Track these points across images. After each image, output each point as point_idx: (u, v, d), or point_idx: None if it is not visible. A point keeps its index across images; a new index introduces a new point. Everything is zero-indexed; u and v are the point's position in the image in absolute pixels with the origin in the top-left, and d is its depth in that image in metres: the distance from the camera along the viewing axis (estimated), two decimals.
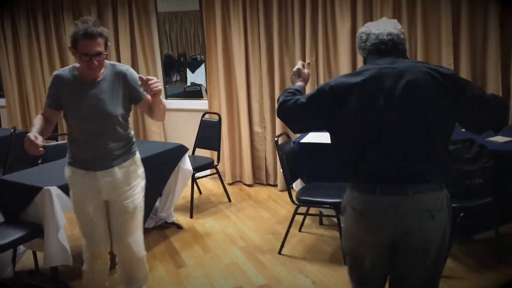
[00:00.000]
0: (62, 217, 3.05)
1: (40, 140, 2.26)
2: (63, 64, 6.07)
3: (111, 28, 5.59)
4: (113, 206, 2.67)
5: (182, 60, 7.91)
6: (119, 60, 5.67)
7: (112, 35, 5.61)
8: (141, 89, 2.49)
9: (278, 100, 2.12)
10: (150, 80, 2.34)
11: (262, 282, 3.19)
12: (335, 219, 3.65)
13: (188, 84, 7.62)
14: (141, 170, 2.74)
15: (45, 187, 3.01)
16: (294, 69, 2.28)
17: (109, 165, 2.57)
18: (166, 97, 5.84)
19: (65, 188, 3.06)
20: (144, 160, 3.66)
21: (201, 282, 3.24)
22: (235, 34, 4.98)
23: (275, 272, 3.31)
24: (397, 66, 1.88)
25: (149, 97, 2.51)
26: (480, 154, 3.26)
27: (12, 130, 4.60)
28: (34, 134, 2.31)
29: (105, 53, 2.43)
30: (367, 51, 1.99)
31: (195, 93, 7.16)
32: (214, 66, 5.22)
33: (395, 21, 2.04)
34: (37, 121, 2.51)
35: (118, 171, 2.60)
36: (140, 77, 2.38)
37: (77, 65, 2.53)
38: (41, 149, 2.25)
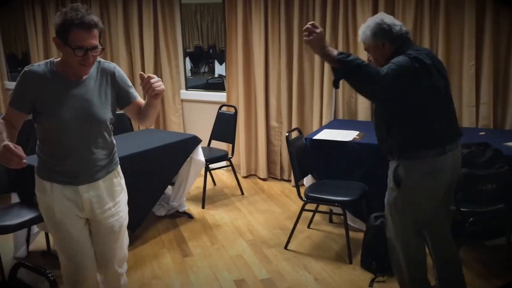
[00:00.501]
0: None
1: (21, 150, 1.88)
2: None
3: (136, 19, 5.67)
4: (96, 225, 2.28)
5: (211, 51, 7.97)
6: (142, 52, 5.77)
7: (136, 27, 5.70)
8: (132, 90, 2.27)
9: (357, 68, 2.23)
10: (152, 78, 2.01)
11: (265, 276, 3.21)
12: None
13: (216, 75, 7.67)
14: (123, 181, 2.37)
15: None
16: (307, 26, 2.28)
17: (93, 178, 2.20)
18: (186, 88, 5.89)
19: None
20: (157, 149, 3.77)
21: (205, 272, 3.28)
22: (256, 27, 4.98)
23: (279, 267, 3.32)
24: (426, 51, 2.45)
25: (139, 99, 2.29)
26: (495, 158, 3.17)
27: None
28: (10, 143, 1.89)
29: (101, 47, 2.07)
30: (399, 40, 2.45)
31: (218, 85, 7.20)
32: (234, 58, 5.24)
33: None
34: (1, 127, 2.04)
35: (102, 184, 2.23)
36: (141, 75, 2.03)
37: (56, 59, 2.14)
38: (25, 161, 1.88)
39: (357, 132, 3.89)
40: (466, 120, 4.10)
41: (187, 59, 6.14)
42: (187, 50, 6.07)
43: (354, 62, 2.20)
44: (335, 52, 2.26)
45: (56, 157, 2.15)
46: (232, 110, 4.82)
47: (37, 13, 6.49)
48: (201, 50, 7.67)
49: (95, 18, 2.02)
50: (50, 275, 1.53)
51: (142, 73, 2.04)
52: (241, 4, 5.00)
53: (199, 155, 4.10)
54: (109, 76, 2.21)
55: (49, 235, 3.52)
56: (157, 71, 5.82)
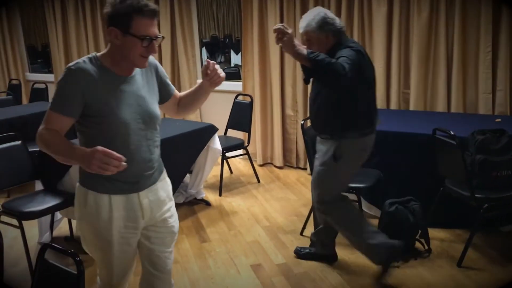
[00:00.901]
0: None
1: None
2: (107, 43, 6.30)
3: None
4: (155, 230, 2.05)
5: (227, 41, 8.02)
6: (159, 44, 5.83)
7: None
8: (170, 82, 2.13)
9: (325, 65, 2.46)
10: (214, 64, 1.91)
11: (281, 261, 3.28)
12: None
13: (232, 65, 7.72)
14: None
15: None
16: (279, 27, 2.43)
17: (152, 180, 2.00)
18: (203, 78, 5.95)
19: None
20: (175, 138, 3.85)
21: (223, 257, 3.37)
22: (271, 16, 5.01)
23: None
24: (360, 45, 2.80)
25: (177, 93, 2.15)
26: (510, 145, 3.18)
27: None
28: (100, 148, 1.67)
29: (162, 36, 1.90)
30: (338, 32, 2.76)
31: (234, 74, 7.25)
32: (249, 48, 5.28)
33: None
34: (60, 139, 1.81)
35: (159, 186, 2.03)
36: (207, 61, 1.91)
37: (99, 54, 1.90)
38: (124, 163, 1.69)
39: None
40: (482, 107, 4.08)
41: (203, 49, 6.19)
42: (203, 40, 6.12)
43: (324, 60, 2.44)
44: (305, 52, 2.46)
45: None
46: (248, 99, 4.88)
47: (56, 6, 6.60)
48: (217, 40, 7.71)
49: (155, 5, 1.85)
50: (76, 256, 1.61)
51: (208, 59, 1.93)
52: None
53: (216, 143, 4.18)
54: (153, 69, 2.03)
55: (72, 221, 3.64)
56: (174, 61, 5.89)
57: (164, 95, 2.08)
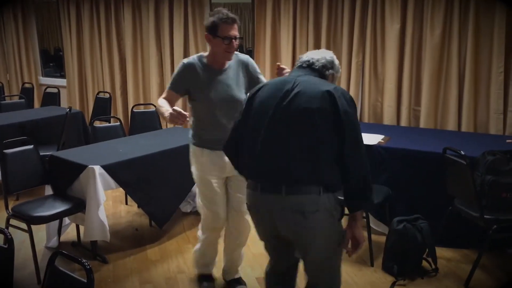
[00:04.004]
0: (103, 195, 3.26)
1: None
2: (120, 49, 6.37)
3: (167, 18, 5.81)
4: (234, 180, 2.82)
5: (238, 51, 8.08)
6: (172, 52, 5.90)
7: (167, 27, 5.84)
8: (261, 76, 2.84)
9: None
10: (285, 67, 2.67)
11: None
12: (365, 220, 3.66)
13: None
14: None
15: (89, 166, 3.23)
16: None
17: None
18: None
19: (108, 168, 3.29)
20: (184, 148, 3.86)
21: None
22: (284, 28, 5.05)
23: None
24: (299, 78, 2.05)
25: (263, 79, 2.83)
26: None
27: (68, 110, 4.90)
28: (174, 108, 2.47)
29: (241, 37, 2.69)
30: (295, 66, 2.23)
31: None
32: (261, 60, 5.31)
33: (330, 52, 2.21)
34: (165, 103, 2.66)
35: None
36: (278, 65, 2.70)
37: (204, 54, 2.74)
38: (188, 119, 2.43)
39: (382, 136, 3.91)
40: (493, 127, 4.07)
41: None
42: None
43: (370, 195, 2.03)
44: (360, 216, 2.07)
45: (205, 129, 2.75)
46: None
47: (71, 11, 6.69)
48: None
49: (235, 15, 2.62)
50: (86, 263, 1.62)
51: (279, 63, 2.72)
52: (271, 4, 5.07)
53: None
54: (244, 66, 2.79)
55: (79, 227, 3.66)
56: None
57: (254, 84, 2.65)
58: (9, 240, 1.87)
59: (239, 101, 2.69)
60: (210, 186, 2.81)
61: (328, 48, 4.82)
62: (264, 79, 2.85)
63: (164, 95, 2.75)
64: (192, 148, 2.84)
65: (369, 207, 2.02)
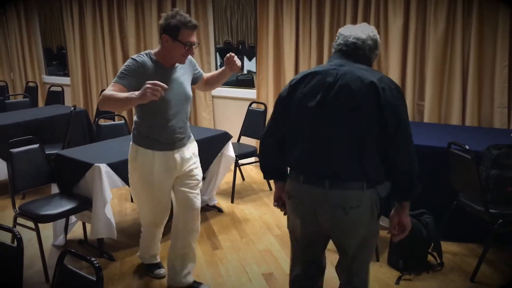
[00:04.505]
0: (110, 193, 3.28)
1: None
2: (124, 47, 6.38)
3: None
4: (183, 178, 2.83)
5: (240, 47, 8.07)
6: None
7: None
8: (200, 70, 2.91)
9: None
10: (234, 56, 2.72)
11: None
12: None
13: (245, 72, 7.75)
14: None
15: (95, 164, 3.24)
16: None
17: (183, 143, 2.79)
18: None
19: (114, 166, 3.30)
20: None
21: (234, 264, 3.38)
22: (287, 24, 5.04)
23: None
24: (342, 69, 1.97)
25: (205, 76, 2.95)
26: None
27: (72, 108, 4.92)
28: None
29: (198, 43, 2.81)
30: (333, 50, 2.10)
31: (247, 81, 7.29)
32: (264, 55, 5.31)
33: (372, 27, 2.08)
34: (121, 93, 2.45)
35: (188, 147, 2.83)
36: (229, 54, 2.73)
37: (153, 51, 2.67)
38: (163, 92, 2.32)
39: None
40: (498, 121, 4.07)
41: (217, 54, 6.24)
42: (217, 46, 6.17)
43: (417, 185, 2.01)
44: (407, 205, 2.07)
45: (157, 129, 2.67)
46: (262, 107, 4.90)
47: (74, 9, 6.70)
48: (230, 45, 7.77)
49: (196, 21, 2.59)
50: (95, 261, 1.64)
51: (230, 53, 2.73)
52: (273, 1, 5.06)
53: (230, 151, 4.20)
54: (190, 63, 2.81)
55: (86, 225, 3.68)
56: None
57: (197, 78, 2.90)
58: (18, 239, 1.89)
59: (191, 98, 2.77)
60: (164, 189, 2.80)
61: (331, 43, 4.80)
62: (202, 71, 2.94)
63: (110, 89, 2.49)
64: (140, 151, 2.73)
65: (415, 198, 2.02)
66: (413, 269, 3.20)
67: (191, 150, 2.87)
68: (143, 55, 2.63)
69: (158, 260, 3.28)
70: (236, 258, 3.48)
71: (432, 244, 3.29)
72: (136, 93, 2.33)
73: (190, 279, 3.01)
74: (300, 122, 2.03)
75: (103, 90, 6.17)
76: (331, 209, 1.99)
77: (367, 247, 2.11)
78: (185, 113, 2.77)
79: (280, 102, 2.13)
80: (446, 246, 3.45)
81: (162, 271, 3.21)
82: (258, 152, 2.28)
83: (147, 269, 3.26)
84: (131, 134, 2.82)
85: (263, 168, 2.28)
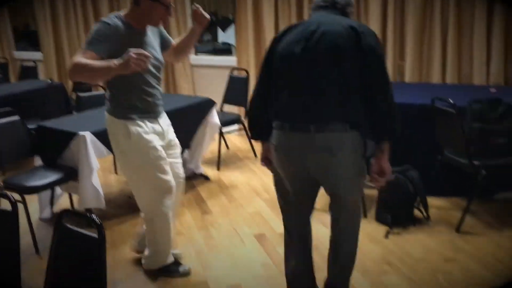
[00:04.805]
0: (96, 162, 3.23)
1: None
2: (96, 17, 6.20)
3: None
4: (169, 147, 2.69)
5: (214, 19, 7.95)
6: None
7: None
8: (169, 36, 2.71)
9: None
10: (199, 8, 2.56)
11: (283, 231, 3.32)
12: None
13: (219, 43, 7.66)
14: None
15: (80, 133, 3.18)
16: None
17: (161, 111, 2.67)
18: (196, 53, 5.91)
19: (99, 135, 3.25)
20: (173, 112, 3.81)
21: (226, 228, 3.40)
22: None
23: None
24: (323, 18, 2.06)
25: (173, 42, 2.73)
26: (506, 113, 3.24)
27: (50, 81, 4.79)
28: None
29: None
30: (312, 9, 2.20)
31: (225, 52, 7.22)
32: (243, 23, 5.25)
33: None
34: (96, 61, 2.23)
35: (164, 114, 2.73)
36: (194, 6, 2.56)
37: (122, 13, 2.45)
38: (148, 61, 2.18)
39: None
40: (477, 77, 4.14)
41: None
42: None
43: (398, 126, 2.05)
44: (387, 148, 2.11)
45: (140, 99, 2.49)
46: (243, 74, 4.86)
47: None
48: None
49: None
50: (97, 219, 1.62)
51: (195, 6, 2.55)
52: None
53: (214, 117, 4.17)
54: (155, 28, 2.60)
55: (72, 196, 3.63)
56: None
57: (167, 43, 2.69)
58: (13, 204, 1.85)
59: (163, 64, 2.62)
60: (162, 157, 2.58)
61: (310, 9, 4.78)
62: (170, 37, 2.74)
63: (80, 56, 2.23)
64: (131, 125, 2.49)
65: (396, 138, 2.07)
66: (401, 223, 3.28)
67: (167, 119, 2.77)
68: (114, 18, 2.41)
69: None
70: (226, 222, 3.50)
71: (418, 199, 3.37)
72: (116, 61, 2.15)
73: (171, 258, 2.81)
74: (284, 71, 2.07)
75: (70, 62, 6.07)
76: (318, 153, 2.03)
77: (356, 187, 2.17)
78: (159, 79, 2.62)
79: (266, 59, 2.18)
80: (431, 201, 3.53)
81: (187, 266, 2.86)
82: (245, 114, 2.26)
83: (168, 272, 2.80)
84: (110, 112, 2.53)
85: (251, 128, 2.30)
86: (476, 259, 2.86)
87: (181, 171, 2.80)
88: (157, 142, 2.57)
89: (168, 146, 2.70)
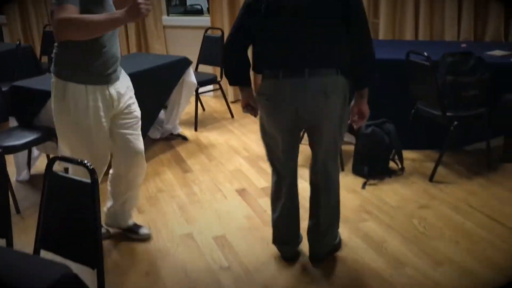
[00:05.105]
0: None
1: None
2: None
3: None
4: (122, 117, 2.46)
5: None
6: None
7: None
8: None
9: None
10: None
11: (264, 185, 3.40)
12: None
13: (187, 5, 7.52)
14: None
15: None
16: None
17: (117, 76, 2.39)
18: (168, 14, 5.80)
19: None
20: (148, 71, 3.79)
21: (207, 184, 3.45)
22: None
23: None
24: None
25: None
26: (477, 66, 3.35)
27: (18, 43, 4.64)
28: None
29: None
30: None
31: (196, 12, 7.10)
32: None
33: None
34: (91, 14, 2.06)
35: (121, 80, 2.43)
36: None
37: None
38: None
39: None
40: (449, 34, 4.23)
41: None
42: None
43: (376, 73, 2.25)
44: (366, 93, 2.26)
45: (89, 58, 2.23)
46: (218, 33, 4.82)
47: None
48: None
49: None
50: (88, 164, 1.63)
51: None
52: None
53: (191, 76, 4.15)
54: None
55: (50, 157, 3.58)
56: None
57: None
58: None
59: None
60: (102, 130, 2.36)
61: None
62: None
63: (62, 15, 2.01)
64: (70, 87, 2.25)
65: (375, 84, 2.25)
66: (377, 175, 3.39)
67: (125, 83, 2.46)
68: None
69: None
70: (208, 179, 3.54)
71: (394, 151, 3.49)
72: (120, 12, 1.99)
73: (131, 222, 2.77)
74: (275, 19, 2.11)
75: (46, 25, 5.88)
76: (312, 96, 2.13)
77: (341, 129, 2.28)
78: (117, 37, 2.36)
79: (248, 5, 2.18)
80: (405, 154, 3.65)
81: (145, 229, 2.80)
82: (221, 61, 2.28)
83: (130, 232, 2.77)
84: (52, 68, 2.32)
85: (229, 74, 2.32)
86: (449, 205, 3.01)
87: (137, 145, 2.52)
88: (95, 115, 2.30)
89: (121, 114, 2.44)
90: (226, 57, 2.30)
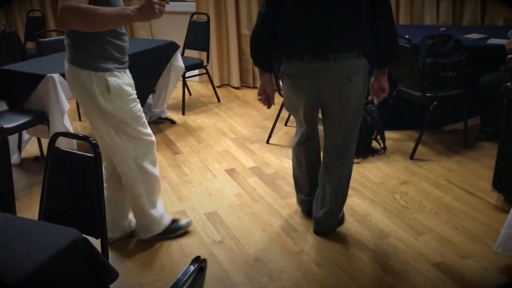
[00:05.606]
0: (67, 103, 3.25)
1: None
2: None
3: None
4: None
5: None
6: None
7: None
8: None
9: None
10: None
11: (252, 164, 3.51)
12: None
13: None
14: None
15: (48, 74, 3.16)
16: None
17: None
18: None
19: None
20: (136, 56, 3.84)
21: (197, 165, 3.55)
22: None
23: (264, 157, 3.63)
24: None
25: None
26: (455, 48, 3.50)
27: (3, 28, 4.63)
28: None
29: None
30: None
31: None
32: None
33: None
34: (100, 8, 1.93)
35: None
36: None
37: None
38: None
39: None
40: (428, 18, 4.37)
41: None
42: None
43: (398, 52, 2.41)
44: (386, 70, 2.45)
45: (116, 46, 2.17)
46: (204, 18, 4.88)
47: None
48: None
49: None
50: (91, 138, 1.71)
51: None
52: None
53: (178, 60, 4.22)
54: None
55: (41, 140, 3.64)
56: None
57: None
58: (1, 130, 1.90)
59: None
60: (140, 107, 2.35)
61: None
62: None
63: (71, 0, 1.87)
64: (109, 76, 2.16)
65: (395, 63, 2.48)
66: (360, 154, 3.53)
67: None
68: None
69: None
70: (197, 160, 3.64)
71: (376, 131, 3.63)
72: (132, 8, 1.89)
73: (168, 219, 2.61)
74: (301, 4, 2.21)
75: (30, 11, 5.85)
76: (336, 79, 2.27)
77: (360, 108, 2.43)
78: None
79: None
80: (387, 134, 3.79)
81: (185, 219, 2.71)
82: (250, 43, 2.36)
83: (170, 233, 2.61)
84: (75, 63, 2.15)
85: (256, 56, 2.42)
86: (428, 180, 3.17)
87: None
88: (133, 93, 2.30)
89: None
90: (255, 40, 2.38)
